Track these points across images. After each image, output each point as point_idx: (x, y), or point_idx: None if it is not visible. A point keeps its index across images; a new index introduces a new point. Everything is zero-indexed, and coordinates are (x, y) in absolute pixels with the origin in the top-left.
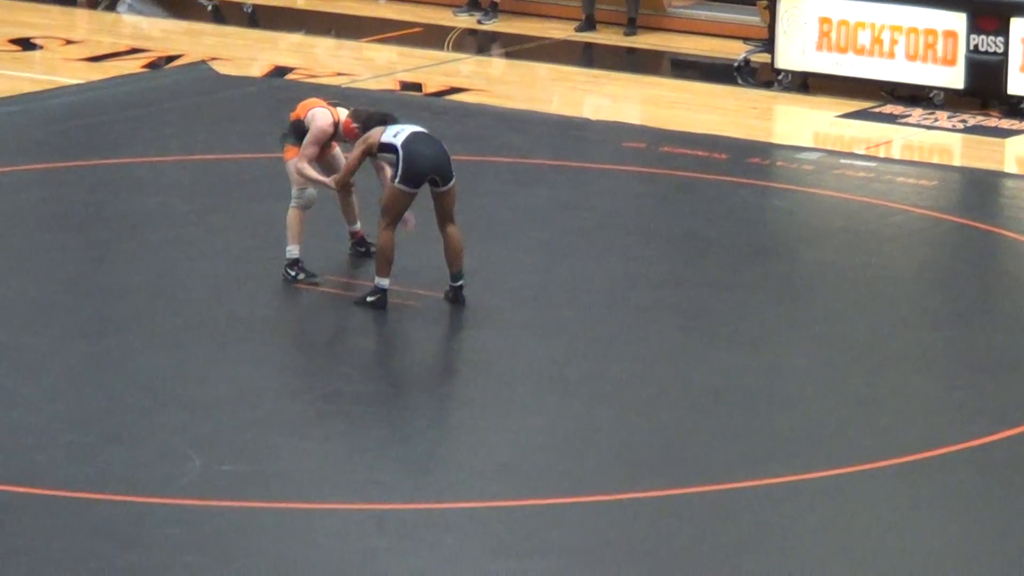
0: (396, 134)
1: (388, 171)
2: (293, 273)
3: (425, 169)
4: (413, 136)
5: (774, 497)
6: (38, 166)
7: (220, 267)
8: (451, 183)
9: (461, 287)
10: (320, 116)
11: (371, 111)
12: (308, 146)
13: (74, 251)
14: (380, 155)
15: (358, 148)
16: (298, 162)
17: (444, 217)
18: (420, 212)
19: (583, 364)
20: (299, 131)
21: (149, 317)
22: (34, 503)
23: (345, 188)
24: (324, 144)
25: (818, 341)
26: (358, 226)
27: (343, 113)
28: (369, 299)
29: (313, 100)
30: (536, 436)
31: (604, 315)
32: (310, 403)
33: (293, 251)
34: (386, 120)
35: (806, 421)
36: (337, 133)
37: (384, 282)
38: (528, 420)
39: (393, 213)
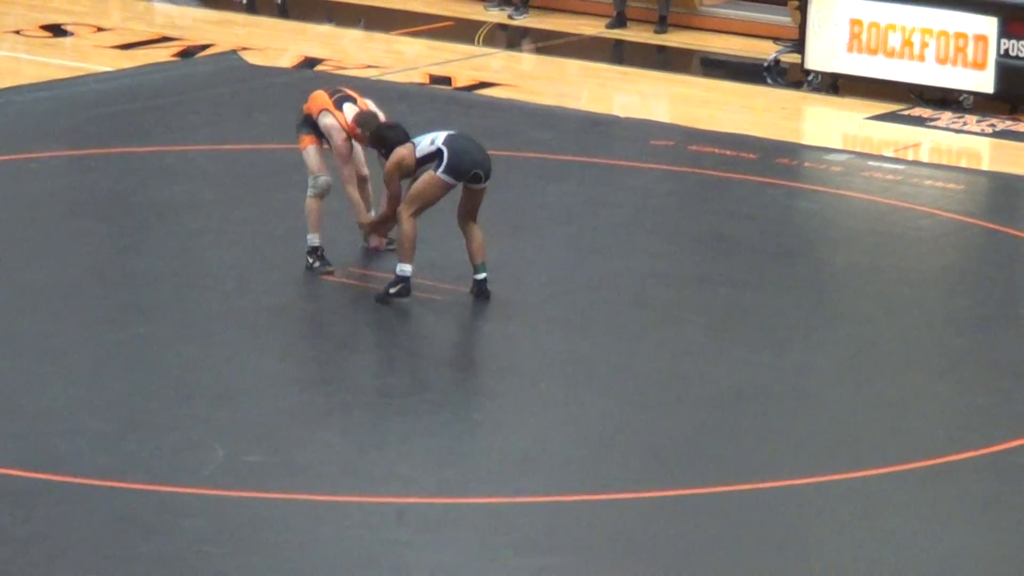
0: (432, 141)
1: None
2: (311, 261)
3: (473, 162)
4: (453, 135)
5: (796, 498)
6: (67, 153)
7: (247, 257)
8: (487, 181)
9: (485, 280)
10: (335, 132)
11: (379, 124)
12: (341, 168)
13: (101, 238)
14: (422, 168)
15: (393, 176)
16: (343, 185)
17: (468, 214)
18: (439, 207)
19: (608, 361)
20: (311, 123)
21: (175, 306)
22: (56, 490)
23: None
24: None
25: (843, 343)
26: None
27: (349, 110)
28: (392, 291)
29: (321, 97)
30: (559, 432)
31: (629, 312)
32: (334, 395)
33: (312, 239)
34: (400, 135)
35: (829, 422)
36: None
37: (407, 268)
38: (552, 416)
39: (423, 202)
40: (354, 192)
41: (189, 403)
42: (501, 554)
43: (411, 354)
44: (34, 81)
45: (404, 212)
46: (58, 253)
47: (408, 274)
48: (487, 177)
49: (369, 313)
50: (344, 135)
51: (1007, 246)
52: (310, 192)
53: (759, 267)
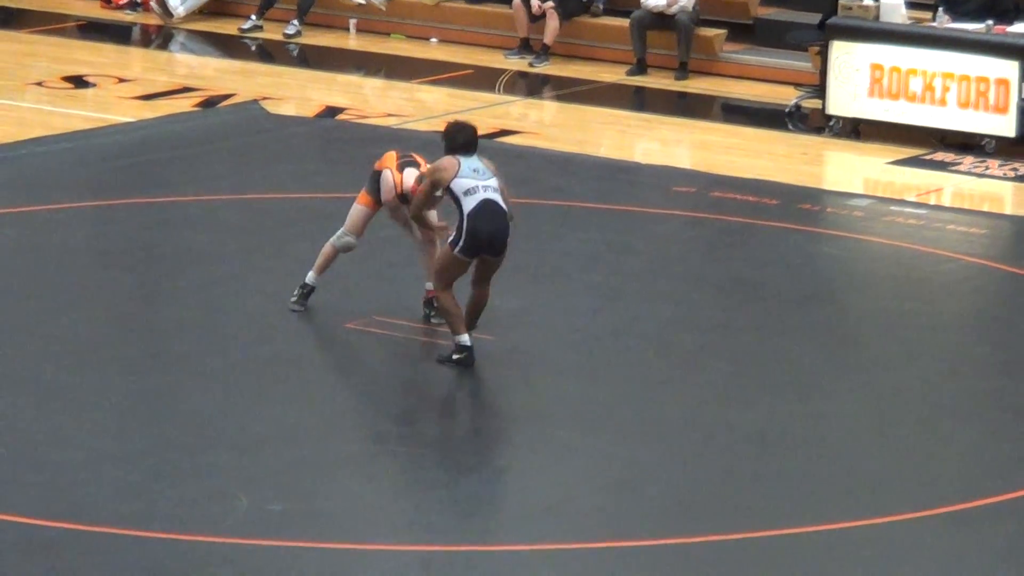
0: (467, 191)
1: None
2: (295, 295)
3: (483, 244)
4: (481, 206)
5: (819, 544)
6: (89, 203)
7: (269, 306)
8: (502, 255)
9: (469, 348)
10: (385, 188)
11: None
12: (395, 212)
13: (124, 288)
14: (443, 193)
15: (427, 181)
16: (409, 219)
17: (482, 279)
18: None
19: (630, 408)
20: (376, 181)
21: (198, 355)
22: (80, 540)
23: (420, 223)
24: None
25: (865, 388)
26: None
27: (411, 175)
28: (455, 357)
29: (390, 157)
30: (582, 479)
31: (652, 359)
32: (357, 443)
33: (311, 278)
34: (463, 147)
35: (852, 468)
36: (404, 196)
37: (464, 338)
38: (574, 463)
39: (448, 276)
40: (420, 220)
41: (212, 452)
42: None
43: (433, 402)
44: (57, 132)
45: (437, 290)
46: (81, 303)
47: (467, 343)
48: (498, 254)
49: (391, 362)
50: (393, 193)
51: None
52: (333, 241)
53: (781, 313)
